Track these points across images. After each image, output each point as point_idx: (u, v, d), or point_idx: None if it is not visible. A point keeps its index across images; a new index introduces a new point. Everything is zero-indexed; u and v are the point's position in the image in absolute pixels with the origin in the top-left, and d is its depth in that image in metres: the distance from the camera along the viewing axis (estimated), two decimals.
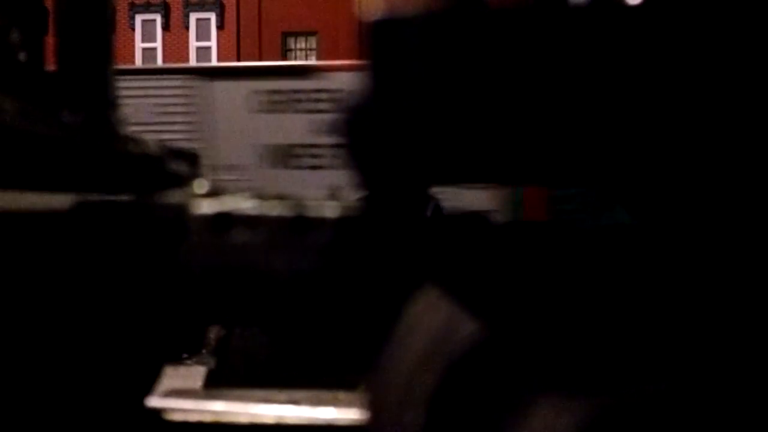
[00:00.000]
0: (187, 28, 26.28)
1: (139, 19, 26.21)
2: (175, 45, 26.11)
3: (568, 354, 2.12)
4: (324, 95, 11.39)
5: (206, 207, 2.56)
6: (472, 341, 2.16)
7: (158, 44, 26.29)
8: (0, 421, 2.55)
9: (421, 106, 2.25)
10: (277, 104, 11.75)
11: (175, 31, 26.27)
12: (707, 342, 2.09)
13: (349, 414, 3.37)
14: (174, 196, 2.66)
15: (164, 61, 25.82)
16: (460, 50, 2.21)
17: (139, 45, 26.14)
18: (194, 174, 3.28)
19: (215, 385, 4.34)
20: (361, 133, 2.37)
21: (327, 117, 10.74)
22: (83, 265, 2.56)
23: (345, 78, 9.78)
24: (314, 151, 11.48)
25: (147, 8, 26.24)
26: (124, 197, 2.70)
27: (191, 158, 3.41)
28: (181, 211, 2.56)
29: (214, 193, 2.73)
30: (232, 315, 2.62)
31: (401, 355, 2.25)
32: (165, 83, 12.07)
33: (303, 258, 2.50)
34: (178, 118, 11.78)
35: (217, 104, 11.81)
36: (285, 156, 11.68)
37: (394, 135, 2.29)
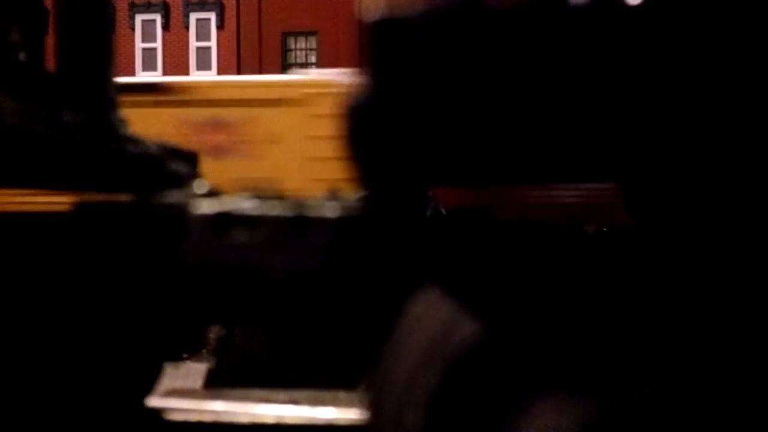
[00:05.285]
0: (187, 28, 26.28)
1: (139, 19, 26.22)
2: (175, 45, 26.12)
3: (568, 354, 2.12)
4: None
5: (206, 207, 2.56)
6: (472, 341, 2.16)
7: (158, 44, 26.29)
8: (0, 421, 2.55)
9: (421, 106, 2.25)
10: None
11: (175, 31, 26.28)
12: (707, 343, 2.09)
13: (349, 414, 3.37)
14: (174, 196, 2.66)
15: (164, 60, 25.84)
16: (459, 50, 2.21)
17: (139, 45, 26.14)
18: (194, 174, 3.28)
19: (215, 385, 4.34)
20: (362, 133, 2.37)
21: None
22: (84, 265, 2.56)
23: None
24: None
25: (147, 8, 26.25)
26: (124, 197, 2.70)
27: (191, 158, 3.41)
28: (181, 211, 2.56)
29: (214, 193, 2.73)
30: (232, 315, 2.62)
31: (401, 355, 2.26)
32: None
33: (303, 258, 2.50)
34: None
35: None
36: None
37: (394, 135, 2.29)
